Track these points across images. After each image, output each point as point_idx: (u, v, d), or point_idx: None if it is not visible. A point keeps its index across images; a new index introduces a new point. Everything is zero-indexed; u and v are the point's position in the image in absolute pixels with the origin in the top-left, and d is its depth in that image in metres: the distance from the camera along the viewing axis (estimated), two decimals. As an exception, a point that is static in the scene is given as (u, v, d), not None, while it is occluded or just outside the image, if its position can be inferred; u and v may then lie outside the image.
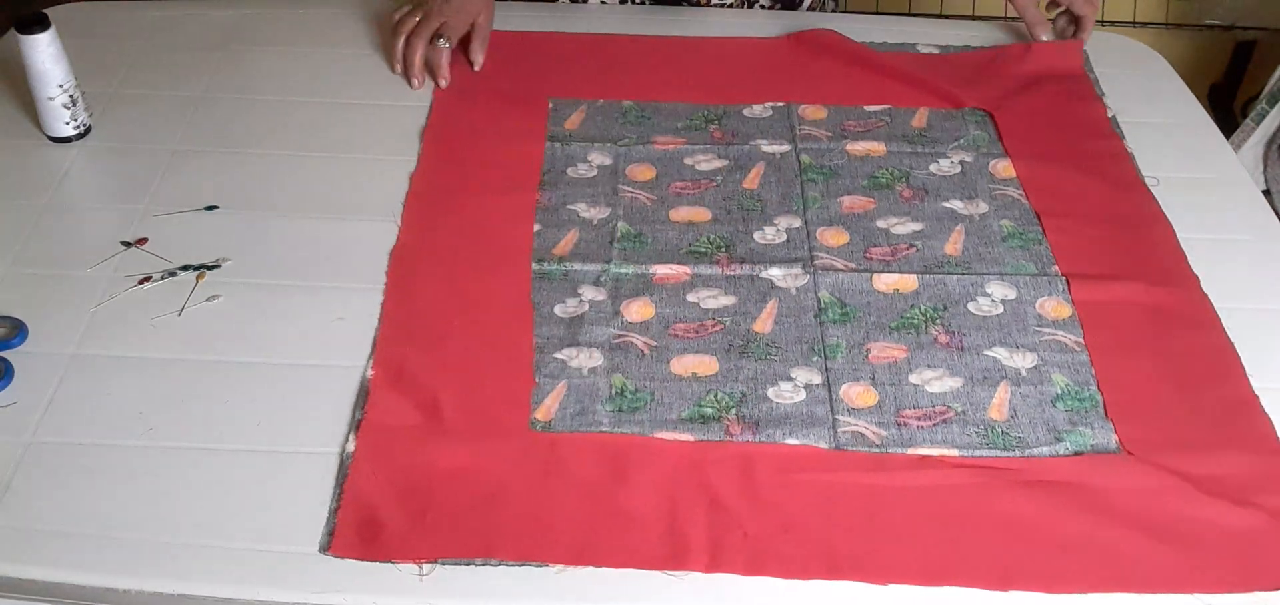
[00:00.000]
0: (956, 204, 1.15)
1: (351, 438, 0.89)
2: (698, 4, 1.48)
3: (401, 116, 1.25)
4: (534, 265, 1.06)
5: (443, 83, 1.30)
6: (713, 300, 1.03)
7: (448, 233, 1.10)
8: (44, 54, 1.16)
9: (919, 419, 0.93)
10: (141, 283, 1.03)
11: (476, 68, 1.33)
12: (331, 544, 0.82)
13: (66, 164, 1.18)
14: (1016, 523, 0.85)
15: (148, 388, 0.93)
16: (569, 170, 1.18)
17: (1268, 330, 1.02)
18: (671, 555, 0.82)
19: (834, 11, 1.51)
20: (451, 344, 0.98)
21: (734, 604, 0.80)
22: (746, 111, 1.28)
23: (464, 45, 1.34)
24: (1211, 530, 0.84)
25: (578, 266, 1.06)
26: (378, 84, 1.32)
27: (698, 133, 1.24)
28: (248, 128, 1.24)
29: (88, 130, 1.21)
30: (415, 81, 1.30)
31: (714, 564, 0.81)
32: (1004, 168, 1.20)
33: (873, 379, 0.96)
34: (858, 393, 0.95)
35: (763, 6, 1.49)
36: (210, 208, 1.12)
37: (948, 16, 2.15)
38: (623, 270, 1.06)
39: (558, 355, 0.97)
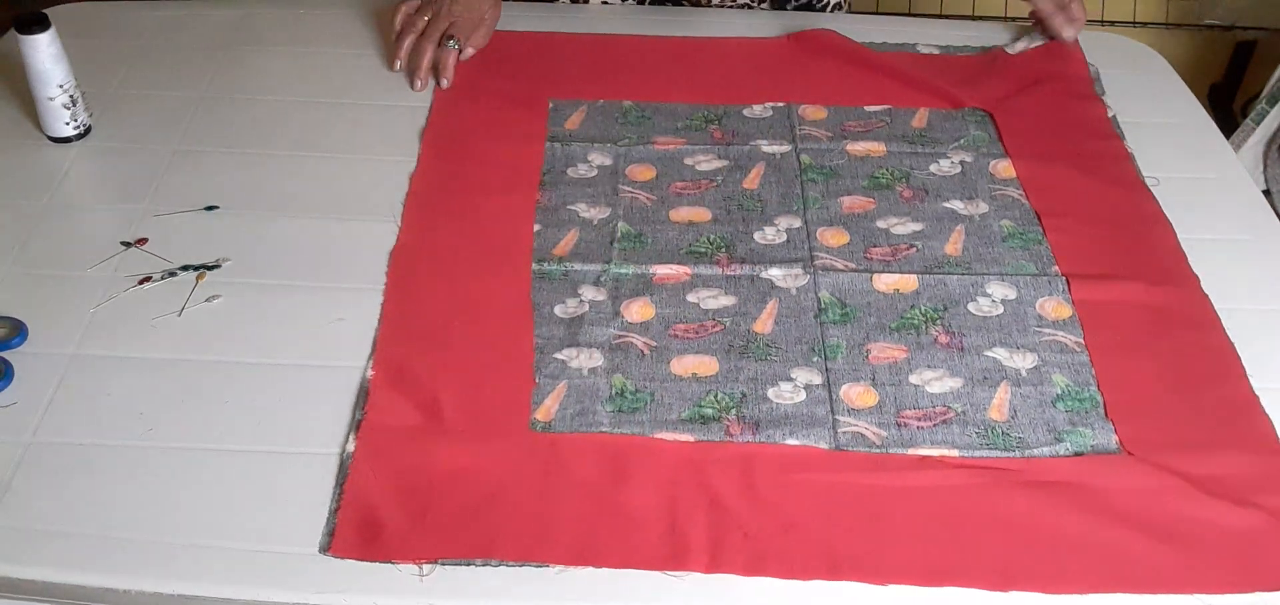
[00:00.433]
0: (957, 204, 1.15)
1: (351, 438, 0.89)
2: (698, 4, 1.48)
3: (401, 116, 1.25)
4: (534, 265, 1.06)
5: (445, 84, 1.30)
6: (713, 300, 1.03)
7: (448, 233, 1.10)
8: (44, 54, 1.16)
9: (919, 419, 0.93)
10: (141, 283, 1.03)
11: (463, 58, 1.32)
12: (331, 544, 0.82)
13: (66, 164, 1.18)
14: (1016, 523, 0.85)
15: (148, 388, 0.93)
16: (569, 170, 1.18)
17: (1268, 330, 1.02)
18: (671, 555, 0.82)
19: (834, 12, 1.51)
20: (451, 344, 0.98)
21: (734, 604, 0.80)
22: (746, 112, 1.28)
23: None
24: (1211, 530, 0.84)
25: (578, 267, 1.06)
26: (378, 84, 1.32)
27: (698, 133, 1.24)
28: (248, 128, 1.24)
29: (88, 130, 1.21)
30: (418, 84, 1.30)
31: (714, 564, 0.81)
32: (1004, 168, 1.20)
33: (873, 379, 0.96)
34: (858, 393, 0.95)
35: (763, 6, 1.49)
36: (210, 208, 1.12)
37: (948, 16, 2.15)
38: (623, 270, 1.06)
39: (558, 355, 0.97)
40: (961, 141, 1.24)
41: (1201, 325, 1.02)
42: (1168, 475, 0.88)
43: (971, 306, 1.03)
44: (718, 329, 1.01)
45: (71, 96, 1.19)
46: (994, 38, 1.42)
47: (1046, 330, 1.01)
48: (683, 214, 1.13)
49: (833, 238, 1.11)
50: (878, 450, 0.90)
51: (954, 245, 1.10)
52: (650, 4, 1.49)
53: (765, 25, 1.43)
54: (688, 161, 1.20)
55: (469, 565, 0.81)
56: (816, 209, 1.14)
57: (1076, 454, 0.91)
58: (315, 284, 1.04)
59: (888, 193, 1.17)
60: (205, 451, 0.89)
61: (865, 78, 1.33)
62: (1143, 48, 1.44)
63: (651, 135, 1.23)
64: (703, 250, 1.09)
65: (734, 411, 0.93)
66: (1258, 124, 2.02)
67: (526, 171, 1.18)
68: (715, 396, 0.94)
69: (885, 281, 1.06)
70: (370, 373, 0.95)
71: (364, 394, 0.93)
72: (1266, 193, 1.98)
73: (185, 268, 1.05)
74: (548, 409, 0.93)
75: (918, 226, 1.12)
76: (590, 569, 0.81)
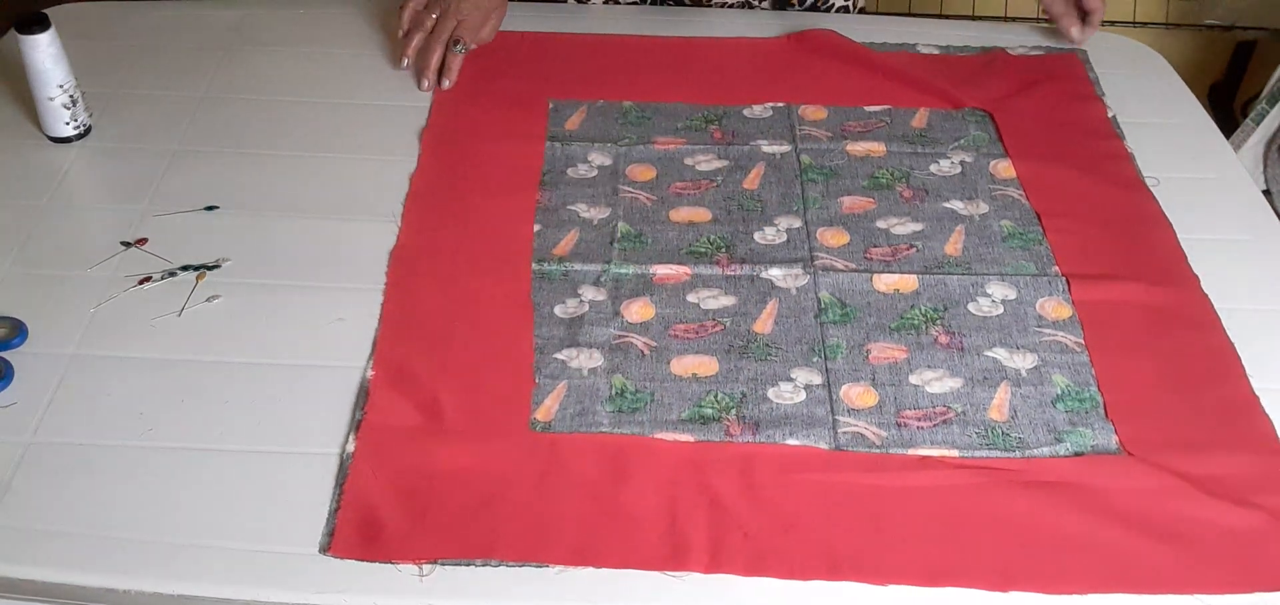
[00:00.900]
0: (957, 204, 1.15)
1: (351, 438, 0.89)
2: (698, 4, 1.48)
3: (401, 116, 1.25)
4: (534, 266, 1.06)
5: (447, 84, 1.30)
6: (713, 301, 1.03)
7: (448, 233, 1.10)
8: (44, 54, 1.16)
9: (919, 419, 0.93)
10: (141, 283, 1.03)
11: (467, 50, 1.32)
12: (331, 544, 0.82)
13: (66, 164, 1.18)
14: (1016, 523, 0.85)
15: (148, 388, 0.93)
16: (569, 171, 1.18)
17: (1268, 330, 1.02)
18: (672, 555, 0.82)
19: (837, 12, 1.51)
20: (452, 344, 0.98)
21: (734, 604, 0.80)
22: (746, 112, 1.28)
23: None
24: (1211, 530, 0.84)
25: (578, 267, 1.06)
26: (378, 84, 1.32)
27: (698, 133, 1.24)
28: (248, 128, 1.24)
29: (88, 130, 1.21)
30: (425, 84, 1.30)
31: (714, 564, 0.81)
32: (1004, 168, 1.20)
33: (873, 379, 0.96)
34: (858, 393, 0.95)
35: (763, 7, 1.49)
36: (210, 208, 1.12)
37: (948, 16, 2.15)
38: (623, 270, 1.06)
39: (558, 355, 0.97)
40: (961, 141, 1.24)
41: (1201, 325, 1.02)
42: (1168, 475, 0.88)
43: (971, 306, 1.03)
44: (718, 329, 1.01)
45: (71, 96, 1.19)
46: (994, 38, 1.42)
47: (1046, 330, 1.01)
48: (683, 214, 1.13)
49: (833, 238, 1.11)
50: (878, 450, 0.90)
51: (954, 245, 1.10)
52: (650, 4, 1.49)
53: (765, 25, 1.43)
54: (688, 162, 1.20)
55: (469, 565, 0.81)
56: (816, 209, 1.14)
57: (1076, 454, 0.91)
58: (315, 284, 1.04)
59: (888, 193, 1.17)
60: (205, 451, 0.89)
61: (865, 78, 1.33)
62: (1143, 48, 1.44)
63: (651, 135, 1.23)
64: (703, 250, 1.09)
65: (734, 411, 0.93)
66: (1258, 124, 2.02)
67: (526, 172, 1.18)
68: (715, 396, 0.94)
69: (885, 281, 1.06)
70: (370, 373, 0.95)
71: (364, 394, 0.93)
72: (1266, 193, 1.98)
73: (185, 268, 1.05)
74: (548, 409, 0.93)
75: (918, 227, 1.12)
76: (590, 569, 0.81)
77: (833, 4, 1.50)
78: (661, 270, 1.06)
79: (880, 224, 1.13)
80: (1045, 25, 1.44)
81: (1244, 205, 1.18)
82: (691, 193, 1.16)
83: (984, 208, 1.15)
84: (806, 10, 1.49)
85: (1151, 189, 1.18)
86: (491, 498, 0.85)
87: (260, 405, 0.92)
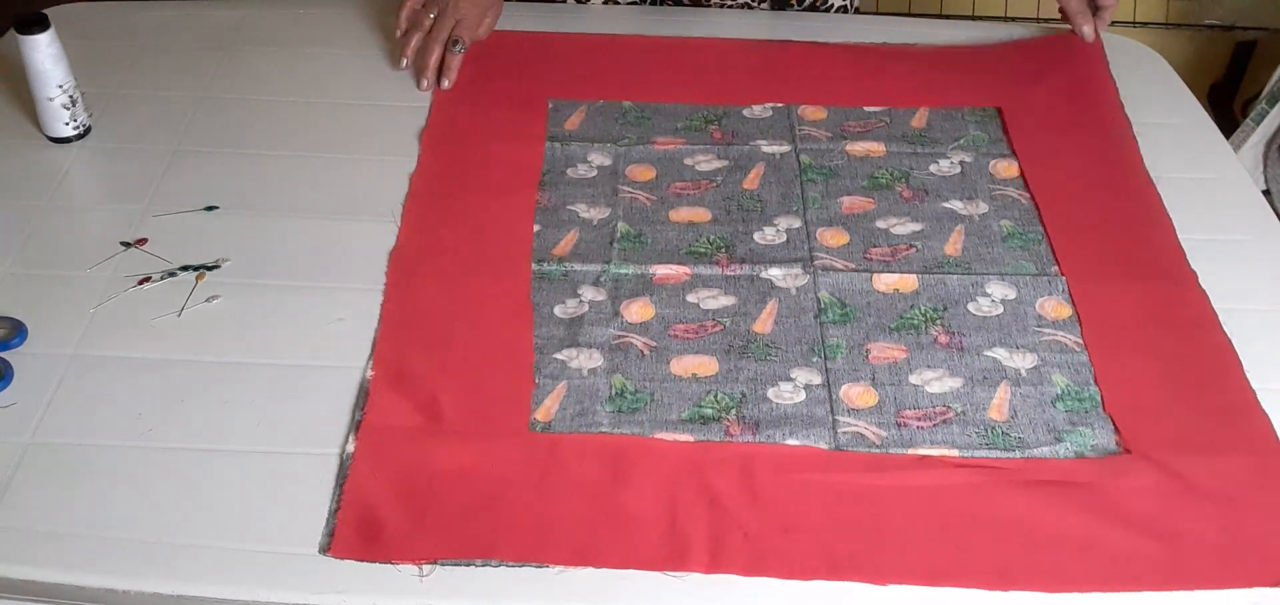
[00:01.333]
0: (956, 204, 1.15)
1: (351, 438, 0.89)
2: (698, 4, 1.48)
3: (401, 117, 1.25)
4: (534, 266, 1.06)
5: (447, 84, 1.30)
6: (713, 301, 1.03)
7: (448, 233, 1.10)
8: (44, 54, 1.16)
9: (919, 419, 0.93)
10: (141, 283, 1.03)
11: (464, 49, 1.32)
12: (331, 545, 0.82)
13: (66, 164, 1.18)
14: (1016, 523, 0.85)
15: (147, 388, 0.93)
16: (569, 171, 1.18)
17: (1268, 330, 1.02)
18: (672, 555, 0.82)
19: (834, 11, 1.51)
20: (451, 345, 0.98)
21: (734, 604, 0.80)
22: (746, 112, 1.28)
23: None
24: (1211, 529, 0.84)
25: (578, 267, 1.06)
26: (378, 84, 1.31)
27: (698, 133, 1.24)
28: (248, 128, 1.24)
29: (88, 130, 1.21)
30: (424, 83, 1.30)
31: (714, 564, 0.81)
32: (1004, 168, 1.20)
33: (873, 379, 0.96)
34: (858, 393, 0.95)
35: (763, 7, 1.49)
36: (210, 208, 1.12)
37: (948, 16, 2.15)
38: (623, 271, 1.06)
39: (558, 356, 0.97)
40: (961, 141, 1.24)
41: (1201, 325, 1.02)
42: (1167, 475, 0.88)
43: (971, 306, 1.03)
44: (717, 329, 1.01)
45: (71, 97, 1.19)
46: (994, 38, 1.42)
47: (1046, 330, 1.01)
48: (682, 214, 1.13)
49: (832, 238, 1.11)
50: (878, 450, 0.90)
51: (954, 245, 1.10)
52: (650, 4, 1.49)
53: (765, 25, 1.43)
54: (687, 162, 1.20)
55: (469, 565, 0.81)
56: (816, 209, 1.14)
57: (1076, 454, 0.91)
58: (315, 284, 1.04)
59: (887, 193, 1.17)
60: (205, 452, 0.89)
61: (865, 78, 1.33)
62: (1143, 48, 1.44)
63: (651, 135, 1.23)
64: (702, 250, 1.09)
65: (734, 411, 0.93)
66: (1258, 124, 2.02)
67: (526, 172, 1.18)
68: (715, 397, 0.94)
69: (885, 281, 1.06)
70: (370, 373, 0.95)
71: (364, 394, 0.93)
72: (1266, 193, 1.98)
73: (185, 268, 1.05)
74: (548, 409, 0.93)
75: (917, 226, 1.12)
76: (590, 569, 0.81)
77: (832, 4, 1.50)
78: (661, 270, 1.06)
79: (880, 224, 1.13)
80: (1045, 25, 1.44)
81: (1244, 205, 1.18)
82: (691, 193, 1.16)
83: (984, 207, 1.15)
84: (806, 10, 1.49)
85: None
86: (491, 498, 0.85)
87: (260, 405, 0.92)
